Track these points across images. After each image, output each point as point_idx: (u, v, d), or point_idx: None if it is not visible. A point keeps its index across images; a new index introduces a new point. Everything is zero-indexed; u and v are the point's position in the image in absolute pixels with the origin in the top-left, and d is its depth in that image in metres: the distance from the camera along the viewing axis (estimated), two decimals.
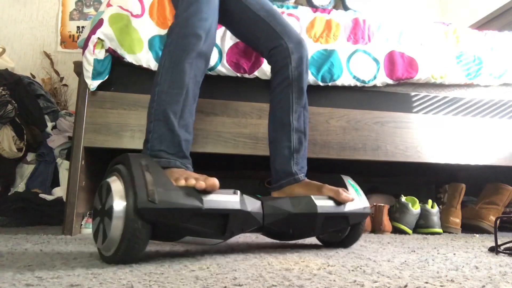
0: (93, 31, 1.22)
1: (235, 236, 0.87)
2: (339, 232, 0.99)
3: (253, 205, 0.78)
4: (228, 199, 0.73)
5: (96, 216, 0.71)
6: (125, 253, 0.64)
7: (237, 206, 0.73)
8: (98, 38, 1.21)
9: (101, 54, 1.22)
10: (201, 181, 0.71)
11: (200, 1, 0.97)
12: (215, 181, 0.71)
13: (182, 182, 0.71)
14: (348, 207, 0.90)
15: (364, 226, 0.98)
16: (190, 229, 0.70)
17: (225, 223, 0.73)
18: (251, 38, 1.21)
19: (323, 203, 0.87)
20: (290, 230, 0.86)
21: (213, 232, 0.73)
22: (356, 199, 0.93)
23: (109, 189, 0.67)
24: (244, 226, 0.78)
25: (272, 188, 1.06)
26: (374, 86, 1.43)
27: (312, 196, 0.87)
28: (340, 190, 0.92)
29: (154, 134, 0.85)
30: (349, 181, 0.99)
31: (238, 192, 0.76)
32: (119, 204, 0.65)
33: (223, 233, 0.74)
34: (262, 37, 1.17)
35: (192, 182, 0.71)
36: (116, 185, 0.67)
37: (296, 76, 1.11)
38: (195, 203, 0.68)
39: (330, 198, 0.90)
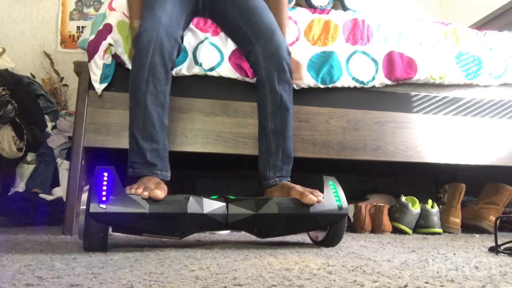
0: (102, 36, 1.22)
1: (194, 234, 0.97)
2: (321, 231, 1.03)
3: (211, 207, 0.88)
4: (174, 204, 0.85)
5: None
6: (89, 243, 0.82)
7: (183, 210, 0.84)
8: (109, 44, 1.21)
9: (109, 59, 1.23)
10: (146, 191, 0.84)
11: (145, 16, 1.08)
12: (156, 193, 0.83)
13: (133, 191, 0.84)
14: (316, 208, 0.92)
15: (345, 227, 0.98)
16: (142, 229, 0.86)
17: (173, 224, 0.86)
18: (239, 47, 1.29)
19: (284, 204, 0.92)
20: (255, 229, 0.94)
21: (166, 231, 0.88)
22: (327, 200, 0.95)
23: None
24: (201, 226, 0.90)
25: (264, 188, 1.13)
26: (373, 86, 1.43)
27: (274, 198, 0.93)
28: (307, 192, 0.95)
29: (130, 149, 1.02)
30: (330, 182, 1.00)
31: (190, 197, 0.86)
32: (83, 208, 0.83)
33: (174, 232, 0.88)
34: (240, 44, 1.26)
35: (138, 191, 0.84)
36: (85, 192, 0.85)
37: (267, 77, 1.12)
38: (139, 208, 0.82)
39: (293, 200, 0.95)
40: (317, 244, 1.03)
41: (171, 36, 1.07)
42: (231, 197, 0.96)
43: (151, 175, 0.99)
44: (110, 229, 0.86)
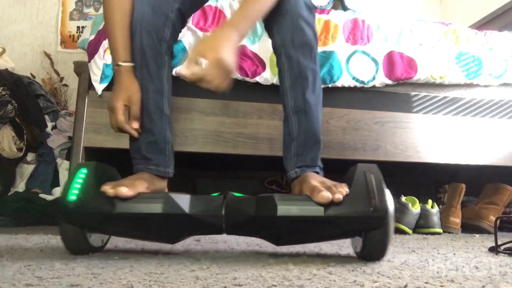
0: (103, 36, 1.22)
1: (183, 239, 0.82)
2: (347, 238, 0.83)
3: (200, 206, 0.74)
4: (145, 203, 0.73)
5: None
6: (67, 245, 0.75)
7: (157, 210, 0.72)
8: None
9: (109, 59, 1.23)
10: (111, 188, 0.73)
11: None
12: (120, 190, 0.72)
13: (103, 188, 0.74)
14: (334, 209, 0.70)
15: (390, 234, 0.71)
16: (116, 230, 0.76)
17: (151, 226, 0.74)
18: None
19: (287, 204, 0.71)
20: (257, 234, 0.77)
21: (141, 235, 0.77)
22: (354, 198, 0.71)
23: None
24: (186, 229, 0.75)
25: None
26: (374, 86, 1.43)
27: (275, 195, 0.73)
28: (321, 186, 0.75)
29: (129, 144, 0.94)
30: (366, 172, 0.74)
31: (169, 195, 0.73)
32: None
33: (149, 236, 0.76)
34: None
35: (106, 187, 0.73)
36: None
37: (280, 41, 0.92)
38: (105, 208, 0.72)
39: (298, 198, 0.75)
40: (358, 257, 0.78)
41: (158, 11, 0.92)
42: (237, 194, 0.80)
43: (145, 170, 0.89)
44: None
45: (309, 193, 0.74)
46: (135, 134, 0.89)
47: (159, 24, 0.93)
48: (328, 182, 0.79)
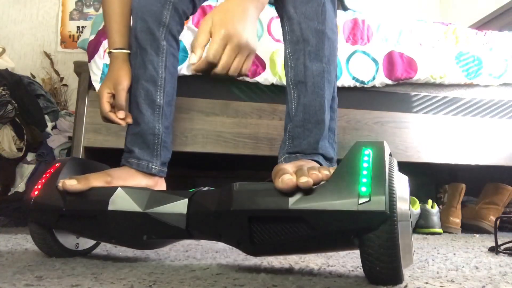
0: (103, 36, 1.22)
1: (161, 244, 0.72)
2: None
3: (161, 203, 0.61)
4: (94, 199, 0.63)
5: None
6: (34, 243, 0.72)
7: (103, 207, 0.61)
8: None
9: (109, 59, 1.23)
10: (65, 181, 0.66)
11: None
12: (66, 184, 0.65)
13: (59, 183, 0.68)
14: (304, 201, 0.49)
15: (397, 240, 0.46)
16: (70, 230, 0.69)
17: (99, 226, 0.64)
18: None
19: (244, 194, 0.54)
20: (219, 235, 0.59)
21: (92, 235, 0.69)
22: (334, 185, 0.49)
23: None
24: (142, 230, 0.62)
25: None
26: (374, 86, 1.43)
27: (235, 184, 0.57)
28: (286, 169, 0.57)
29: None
30: (364, 149, 0.51)
31: (119, 188, 0.63)
32: None
33: (104, 237, 0.66)
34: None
35: (60, 181, 0.67)
36: None
37: (282, 1, 0.80)
38: (56, 203, 0.65)
39: (270, 184, 0.55)
40: (369, 280, 0.52)
41: None
42: (212, 189, 0.66)
43: (125, 164, 0.82)
44: None
45: (274, 180, 0.54)
46: (122, 123, 0.84)
47: (157, 8, 0.85)
48: (311, 166, 0.61)
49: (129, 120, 0.84)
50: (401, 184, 0.52)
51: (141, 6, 0.85)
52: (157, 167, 0.83)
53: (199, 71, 0.63)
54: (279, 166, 0.65)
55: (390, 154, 0.53)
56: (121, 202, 0.61)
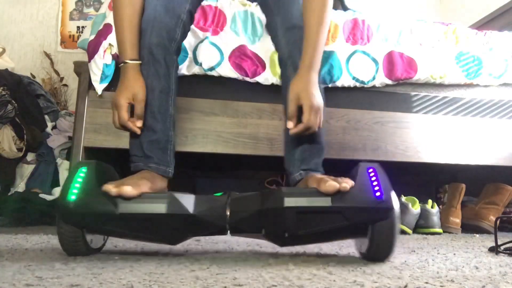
0: (103, 36, 1.22)
1: (187, 240, 0.80)
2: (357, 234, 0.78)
3: (205, 206, 0.73)
4: (149, 203, 0.71)
5: None
6: (63, 245, 0.73)
7: (161, 210, 0.70)
8: (109, 44, 1.21)
9: (109, 59, 1.23)
10: (115, 187, 0.71)
11: None
12: (124, 189, 0.70)
13: (104, 187, 0.72)
14: (341, 200, 0.70)
15: (396, 228, 0.71)
16: (117, 232, 0.74)
17: (154, 227, 0.72)
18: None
19: (294, 195, 0.71)
20: (262, 230, 0.74)
21: (143, 236, 0.75)
22: (359, 190, 0.71)
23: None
24: (191, 230, 0.74)
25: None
26: (374, 86, 1.43)
27: (282, 189, 0.73)
28: (327, 178, 0.77)
29: (130, 142, 0.93)
30: (369, 169, 0.74)
31: (173, 194, 0.72)
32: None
33: (153, 237, 0.74)
34: (263, 12, 1.14)
35: (109, 187, 0.71)
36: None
37: (288, 53, 0.98)
38: (107, 208, 0.70)
39: (306, 190, 0.76)
40: (364, 258, 0.76)
41: (172, 12, 0.95)
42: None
43: (146, 168, 0.89)
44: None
45: (316, 184, 0.74)
46: (138, 131, 0.89)
47: (171, 24, 0.95)
48: (330, 176, 0.80)
49: (141, 126, 0.90)
50: (395, 195, 0.72)
51: (157, 21, 0.93)
52: (171, 171, 0.93)
53: (296, 134, 0.87)
54: (315, 176, 0.86)
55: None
56: (175, 206, 0.71)
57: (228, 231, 0.75)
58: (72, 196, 0.70)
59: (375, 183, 0.71)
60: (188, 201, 0.72)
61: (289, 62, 0.97)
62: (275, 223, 0.72)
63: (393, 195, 0.71)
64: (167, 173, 0.92)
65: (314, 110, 0.85)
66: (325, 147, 0.98)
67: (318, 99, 0.87)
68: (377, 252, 0.72)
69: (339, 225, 0.71)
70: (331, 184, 0.70)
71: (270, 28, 1.08)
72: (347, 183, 0.71)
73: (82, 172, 0.73)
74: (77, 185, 0.71)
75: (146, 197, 0.72)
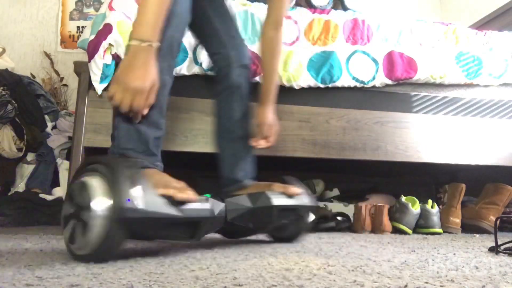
0: (103, 36, 1.22)
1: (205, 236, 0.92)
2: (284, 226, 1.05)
3: (218, 208, 0.83)
4: (201, 208, 0.78)
5: (71, 219, 0.70)
6: (102, 252, 0.65)
7: (208, 214, 0.78)
8: (109, 44, 1.21)
9: (109, 59, 1.23)
10: (179, 192, 0.72)
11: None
12: (191, 195, 0.74)
13: (162, 190, 0.71)
14: (298, 201, 0.99)
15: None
16: (165, 234, 0.76)
17: (194, 228, 0.78)
18: (200, 36, 1.19)
19: (277, 197, 0.95)
20: (250, 224, 0.93)
21: (184, 237, 0.79)
22: (304, 193, 1.03)
23: (92, 189, 0.67)
24: (210, 228, 0.86)
25: (222, 194, 1.01)
26: (374, 86, 1.43)
27: (266, 191, 0.96)
28: (288, 185, 1.02)
29: (120, 132, 0.85)
30: (293, 181, 1.06)
31: (209, 199, 0.81)
32: (102, 206, 0.65)
33: (192, 237, 0.79)
34: (205, 41, 1.18)
35: (170, 192, 0.71)
36: (100, 186, 0.67)
37: (238, 84, 1.11)
38: (173, 212, 0.71)
39: (281, 193, 0.98)
40: (278, 240, 1.09)
41: (191, 10, 0.96)
42: (207, 195, 0.90)
43: (153, 167, 0.85)
44: None
45: (283, 189, 0.99)
46: (139, 119, 0.83)
47: (187, 23, 0.96)
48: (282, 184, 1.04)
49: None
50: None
51: (184, 18, 0.92)
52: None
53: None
54: (272, 184, 1.03)
55: None
56: (212, 211, 0.80)
57: (223, 230, 0.96)
58: (128, 201, 0.64)
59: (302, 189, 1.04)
60: (214, 204, 0.82)
61: (238, 92, 1.12)
62: (262, 219, 0.94)
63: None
64: (161, 170, 0.90)
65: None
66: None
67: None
68: (297, 233, 1.08)
69: (293, 217, 1.02)
70: (295, 189, 1.00)
71: (218, 56, 1.14)
72: (299, 189, 1.01)
73: (124, 178, 0.67)
74: (126, 188, 0.65)
75: (197, 201, 0.76)
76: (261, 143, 1.11)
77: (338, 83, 1.39)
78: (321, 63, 1.38)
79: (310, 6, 1.89)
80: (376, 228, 1.49)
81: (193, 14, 0.99)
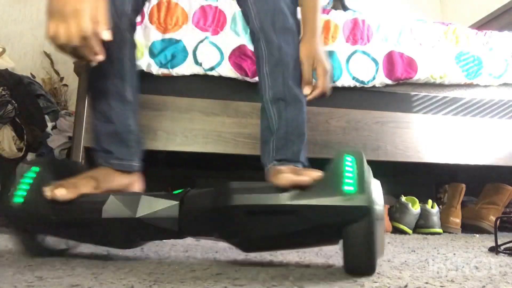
0: None
1: (143, 244, 0.78)
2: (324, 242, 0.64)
3: (154, 208, 0.63)
4: (85, 207, 0.64)
5: None
6: (19, 243, 0.70)
7: (96, 215, 0.63)
8: None
9: None
10: (49, 190, 0.65)
11: None
12: (55, 193, 0.64)
13: (44, 190, 0.66)
14: (298, 197, 0.56)
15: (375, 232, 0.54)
16: (60, 235, 0.70)
17: (93, 233, 0.67)
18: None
19: (243, 191, 0.60)
20: (216, 233, 0.64)
21: (86, 240, 0.71)
22: (325, 184, 0.57)
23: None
24: (137, 235, 0.66)
25: None
26: (374, 86, 1.43)
27: (232, 183, 0.62)
28: (284, 169, 0.68)
29: (91, 130, 0.82)
30: (347, 157, 0.59)
31: (111, 196, 0.64)
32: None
33: (94, 241, 0.70)
34: None
35: (45, 189, 0.66)
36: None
37: (259, 25, 0.85)
38: (44, 212, 0.65)
39: (268, 183, 0.66)
40: (346, 271, 0.59)
41: None
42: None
43: (106, 165, 0.79)
44: None
45: (274, 178, 0.64)
46: (98, 59, 0.66)
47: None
48: (302, 168, 0.74)
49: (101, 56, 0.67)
50: (376, 187, 0.60)
51: None
52: (137, 164, 0.83)
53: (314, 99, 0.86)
54: (275, 167, 0.75)
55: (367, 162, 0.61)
56: (114, 209, 0.63)
57: (181, 235, 0.66)
58: (18, 199, 0.65)
59: (349, 174, 0.56)
60: (132, 202, 0.63)
61: (262, 36, 0.85)
62: (226, 226, 0.61)
63: (374, 189, 0.56)
64: (132, 168, 0.82)
65: (328, 74, 0.84)
66: (306, 136, 0.87)
67: (328, 63, 0.86)
68: (352, 265, 0.56)
69: (300, 229, 0.57)
70: (285, 176, 0.58)
71: (240, 1, 0.93)
72: (307, 176, 0.58)
73: (32, 172, 0.67)
74: (23, 186, 0.66)
75: (81, 201, 0.65)
76: (307, 91, 0.83)
77: (338, 83, 1.39)
78: None
79: None
80: None
81: None
